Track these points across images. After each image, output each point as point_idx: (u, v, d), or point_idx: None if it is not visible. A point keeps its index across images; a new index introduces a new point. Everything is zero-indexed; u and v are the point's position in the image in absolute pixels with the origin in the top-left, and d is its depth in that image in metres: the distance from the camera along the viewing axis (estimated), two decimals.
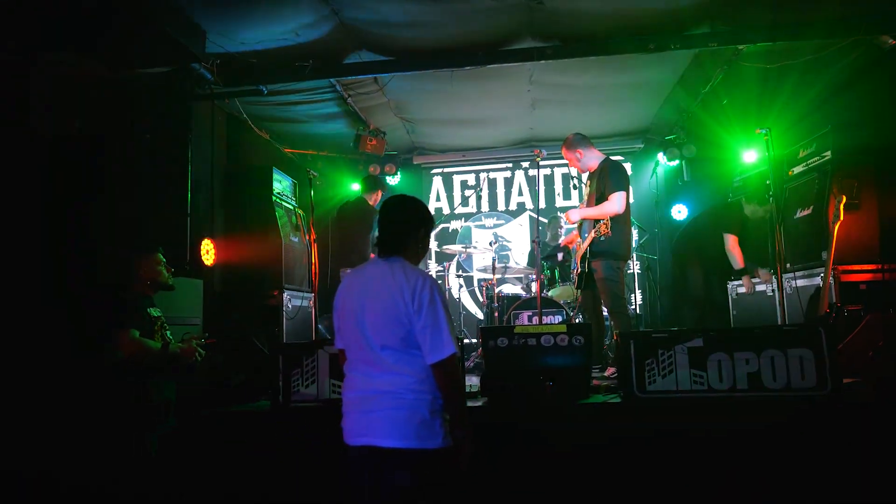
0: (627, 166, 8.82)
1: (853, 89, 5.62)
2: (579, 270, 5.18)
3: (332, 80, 6.10)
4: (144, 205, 5.02)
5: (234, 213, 6.50)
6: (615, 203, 4.88)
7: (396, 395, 2.29)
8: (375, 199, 6.62)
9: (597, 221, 4.84)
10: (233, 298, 6.00)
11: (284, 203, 6.75)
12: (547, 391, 3.75)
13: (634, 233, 7.57)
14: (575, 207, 5.60)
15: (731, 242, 5.84)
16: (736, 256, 5.80)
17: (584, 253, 5.07)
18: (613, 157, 5.35)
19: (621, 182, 4.96)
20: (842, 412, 3.40)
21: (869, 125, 5.48)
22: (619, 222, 4.94)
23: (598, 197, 5.02)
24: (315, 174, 5.96)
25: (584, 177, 5.52)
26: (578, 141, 5.21)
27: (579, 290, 5.31)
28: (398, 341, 2.31)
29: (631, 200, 5.24)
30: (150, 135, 5.24)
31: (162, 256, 3.82)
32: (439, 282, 8.77)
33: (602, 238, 4.73)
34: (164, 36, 4.68)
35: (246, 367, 4.36)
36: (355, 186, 8.15)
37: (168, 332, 3.70)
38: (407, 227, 2.49)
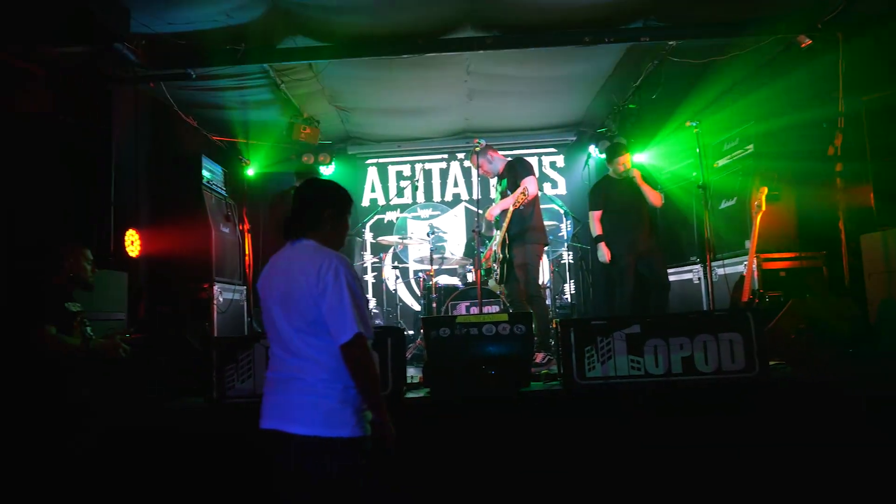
0: (560, 158, 9.01)
1: (774, 85, 5.89)
2: (501, 258, 5.27)
3: (265, 65, 5.90)
4: (65, 193, 4.72)
5: (160, 203, 6.23)
6: (531, 185, 5.12)
7: (306, 382, 2.23)
8: None
9: (521, 208, 5.10)
10: (161, 292, 5.76)
11: (215, 192, 6.52)
12: (489, 380, 3.77)
13: (568, 223, 7.73)
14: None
15: (593, 218, 5.96)
16: (595, 229, 5.92)
17: (503, 240, 5.21)
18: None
19: (529, 170, 5.31)
20: (769, 392, 3.57)
21: (787, 121, 5.77)
22: (534, 208, 5.23)
23: (511, 190, 5.26)
24: (248, 162, 5.77)
25: (494, 181, 5.83)
26: (486, 148, 5.55)
27: (502, 284, 5.39)
28: (307, 325, 2.23)
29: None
30: (69, 118, 4.93)
31: (90, 254, 3.62)
32: (370, 272, 8.73)
33: (522, 207, 4.99)
34: (83, 13, 4.40)
35: (177, 363, 4.18)
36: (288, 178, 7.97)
37: (89, 328, 3.51)
38: (312, 208, 2.40)
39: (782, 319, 4.25)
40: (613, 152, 5.88)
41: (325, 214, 2.40)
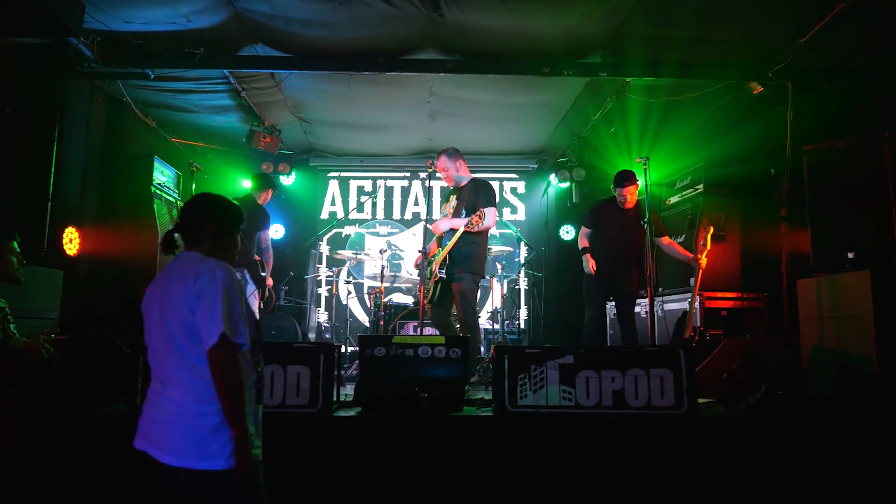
0: (521, 184, 9.08)
1: (725, 129, 6.05)
2: (437, 278, 4.96)
3: (225, 71, 5.86)
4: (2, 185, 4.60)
5: (108, 202, 6.09)
6: (490, 217, 4.88)
7: (177, 404, 2.05)
8: (265, 198, 6.33)
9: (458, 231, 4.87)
10: (99, 293, 5.61)
11: (165, 195, 6.41)
12: (422, 403, 3.73)
13: (524, 249, 7.76)
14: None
15: (581, 232, 5.76)
16: (581, 242, 5.68)
17: (444, 260, 4.91)
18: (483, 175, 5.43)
19: (493, 199, 5.00)
20: (695, 430, 3.60)
21: (737, 164, 5.92)
22: (485, 238, 5.04)
23: (467, 210, 4.95)
24: (199, 167, 5.70)
25: (443, 189, 5.62)
26: (458, 155, 5.20)
27: (430, 304, 5.10)
28: (184, 340, 2.06)
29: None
30: (15, 109, 4.80)
31: (17, 246, 3.50)
32: (324, 285, 8.64)
33: (474, 232, 4.78)
34: (37, 4, 4.31)
35: (103, 366, 4.04)
36: (246, 184, 7.86)
37: (12, 326, 3.39)
38: (195, 221, 2.27)
39: (716, 358, 4.31)
40: (619, 180, 5.43)
41: (208, 229, 2.27)
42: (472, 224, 4.74)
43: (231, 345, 2.03)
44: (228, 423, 2.03)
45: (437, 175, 5.24)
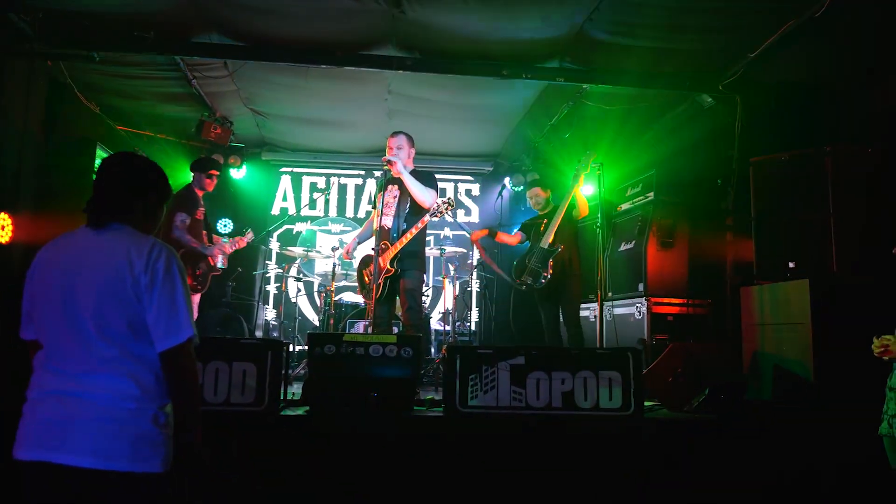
0: (475, 187, 9.10)
1: (677, 139, 6.19)
2: (390, 272, 4.74)
3: (176, 58, 5.67)
4: None
5: (46, 189, 5.80)
6: (433, 196, 4.76)
7: (109, 403, 1.82)
8: (206, 184, 5.91)
9: (417, 215, 4.76)
10: None
11: None
12: (371, 402, 3.68)
13: (476, 251, 7.77)
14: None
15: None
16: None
17: (396, 255, 4.74)
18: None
19: (436, 188, 4.90)
20: (641, 431, 3.66)
21: (687, 173, 6.07)
22: (424, 236, 4.93)
23: (409, 203, 4.81)
24: (142, 154, 5.46)
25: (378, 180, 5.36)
26: (411, 142, 5.05)
27: (375, 301, 4.81)
28: (124, 328, 1.85)
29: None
30: None
31: None
32: (273, 282, 8.46)
33: (444, 217, 4.78)
34: None
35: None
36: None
37: None
38: (132, 189, 2.01)
39: (662, 361, 4.39)
40: (527, 186, 5.85)
41: (151, 200, 2.05)
42: (440, 209, 4.63)
43: (193, 345, 1.91)
44: (185, 426, 1.91)
45: (389, 158, 4.83)
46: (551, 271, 5.27)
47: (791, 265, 4.36)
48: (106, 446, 1.79)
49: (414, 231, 4.70)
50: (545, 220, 5.45)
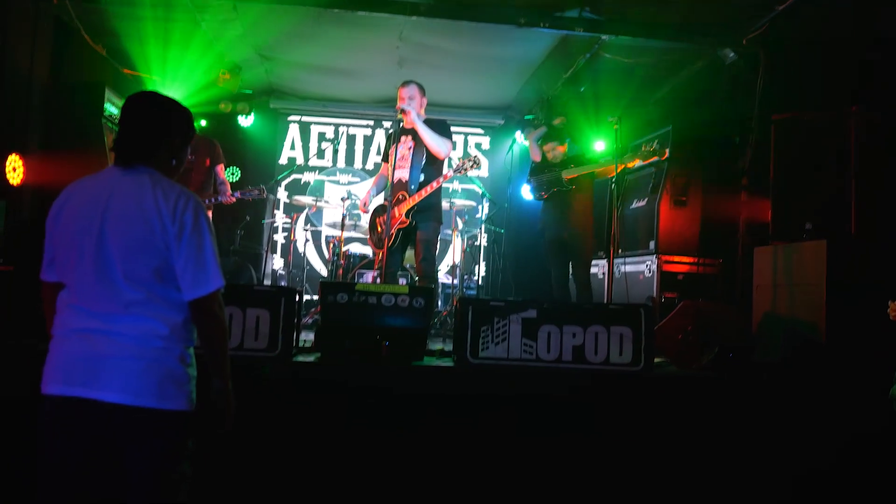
0: (486, 140, 8.98)
1: (695, 95, 6.07)
2: (405, 223, 4.69)
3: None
4: None
5: (55, 132, 5.74)
6: (448, 146, 4.74)
7: (138, 341, 1.83)
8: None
9: (436, 169, 4.74)
10: (44, 224, 5.33)
11: (117, 128, 6.09)
12: (383, 350, 3.70)
13: (486, 205, 7.72)
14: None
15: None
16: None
17: (412, 207, 4.68)
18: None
19: (451, 138, 4.83)
20: (650, 387, 3.68)
21: (704, 131, 5.97)
22: (441, 190, 4.87)
23: (425, 153, 4.75)
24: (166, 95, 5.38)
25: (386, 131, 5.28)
26: (423, 92, 4.96)
27: (387, 251, 4.72)
28: (150, 273, 1.85)
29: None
30: None
31: None
32: (281, 231, 8.45)
33: (468, 174, 4.70)
34: None
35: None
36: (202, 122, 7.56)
37: None
38: (158, 130, 1.99)
39: (672, 320, 4.39)
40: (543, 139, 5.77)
41: (176, 142, 2.02)
42: (465, 168, 4.67)
43: (221, 294, 1.95)
44: (215, 373, 1.96)
45: (402, 107, 4.75)
46: (545, 195, 5.47)
47: (808, 226, 4.32)
48: (133, 383, 1.82)
49: (435, 185, 4.67)
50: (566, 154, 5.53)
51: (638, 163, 5.21)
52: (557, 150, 5.61)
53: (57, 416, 1.85)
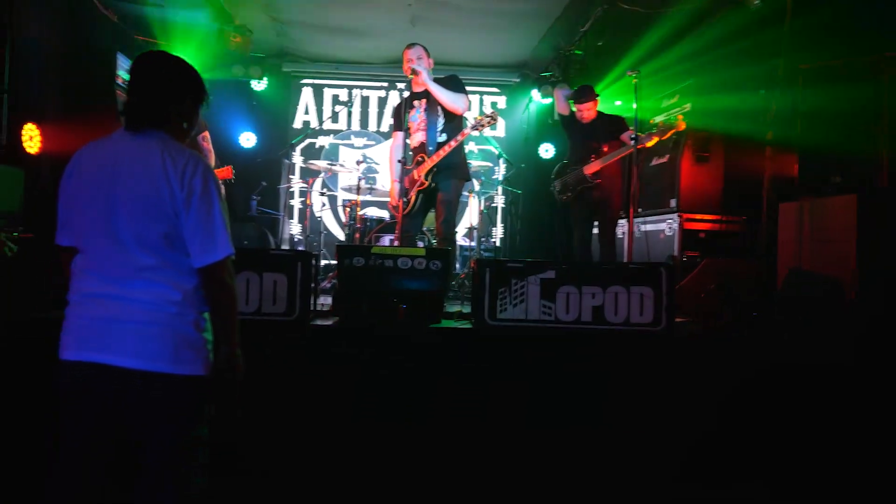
0: (501, 99, 8.81)
1: (718, 47, 5.85)
2: (424, 185, 4.65)
3: None
4: None
5: (69, 100, 5.73)
6: (464, 100, 4.62)
7: (151, 307, 1.82)
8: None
9: (455, 127, 4.63)
10: None
11: None
12: (400, 314, 3.68)
13: (503, 166, 7.61)
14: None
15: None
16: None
17: (432, 169, 4.62)
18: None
19: (465, 91, 4.70)
20: (672, 347, 3.63)
21: (727, 83, 5.77)
22: (462, 146, 4.75)
23: (442, 112, 4.67)
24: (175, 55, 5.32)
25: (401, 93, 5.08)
26: (430, 55, 4.80)
27: (407, 215, 4.73)
28: (159, 239, 1.82)
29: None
30: None
31: None
32: (297, 196, 8.43)
33: (487, 128, 4.57)
34: None
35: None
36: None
37: None
38: (168, 92, 1.93)
39: (694, 278, 4.32)
40: (576, 96, 5.38)
41: (186, 104, 1.96)
42: (483, 125, 4.55)
43: (231, 262, 1.91)
44: (223, 340, 1.93)
45: (413, 67, 4.61)
46: (569, 195, 5.28)
47: (837, 179, 4.18)
48: (149, 348, 1.81)
49: (453, 144, 4.58)
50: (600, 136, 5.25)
51: (657, 140, 5.03)
52: (591, 111, 5.35)
53: (73, 382, 1.85)
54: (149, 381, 1.81)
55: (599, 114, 5.39)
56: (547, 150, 8.27)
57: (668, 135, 5.05)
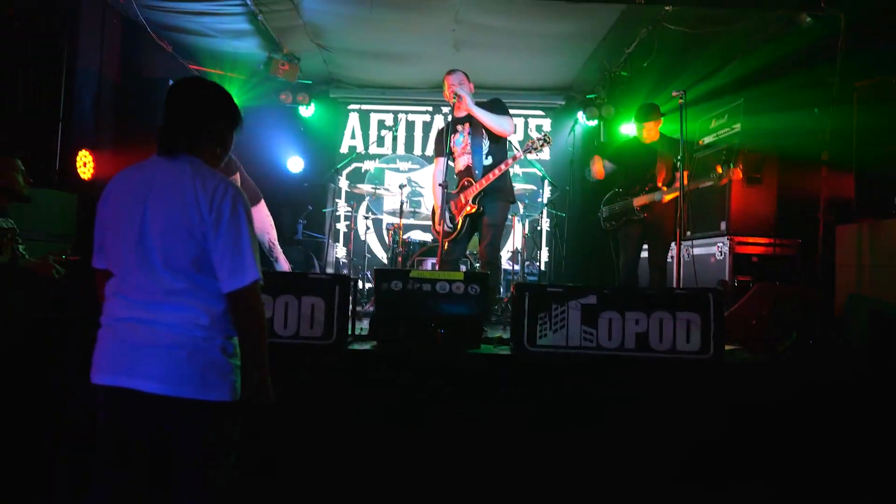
0: (546, 122, 8.76)
1: (768, 63, 5.69)
2: (471, 211, 4.65)
3: None
4: (7, 103, 4.46)
5: (124, 127, 5.97)
6: (510, 122, 4.61)
7: (178, 329, 1.83)
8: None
9: (500, 150, 4.61)
10: None
11: None
12: (437, 338, 3.64)
13: (548, 189, 7.53)
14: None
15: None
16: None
17: (479, 193, 4.61)
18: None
19: (509, 113, 4.68)
20: (721, 375, 3.47)
21: (778, 104, 5.58)
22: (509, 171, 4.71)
23: (487, 135, 4.67)
24: (210, 80, 5.47)
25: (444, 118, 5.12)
26: (470, 79, 4.81)
27: (452, 239, 4.74)
28: (188, 263, 1.83)
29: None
30: (25, 24, 4.63)
31: (21, 163, 3.40)
32: (343, 220, 8.52)
33: (536, 152, 4.56)
34: None
35: None
36: None
37: (21, 247, 3.31)
38: (201, 116, 1.96)
39: (745, 304, 4.15)
40: (642, 114, 5.25)
41: (219, 127, 1.99)
42: (534, 145, 4.54)
43: (259, 287, 1.90)
44: (252, 366, 1.91)
45: (456, 91, 4.62)
46: (615, 224, 5.26)
47: None
48: (176, 373, 1.82)
49: (503, 167, 4.58)
50: (653, 171, 5.14)
51: (710, 183, 4.94)
52: (654, 130, 5.24)
53: (104, 406, 1.88)
54: (176, 406, 1.82)
55: (661, 135, 5.28)
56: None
57: (723, 182, 4.96)
